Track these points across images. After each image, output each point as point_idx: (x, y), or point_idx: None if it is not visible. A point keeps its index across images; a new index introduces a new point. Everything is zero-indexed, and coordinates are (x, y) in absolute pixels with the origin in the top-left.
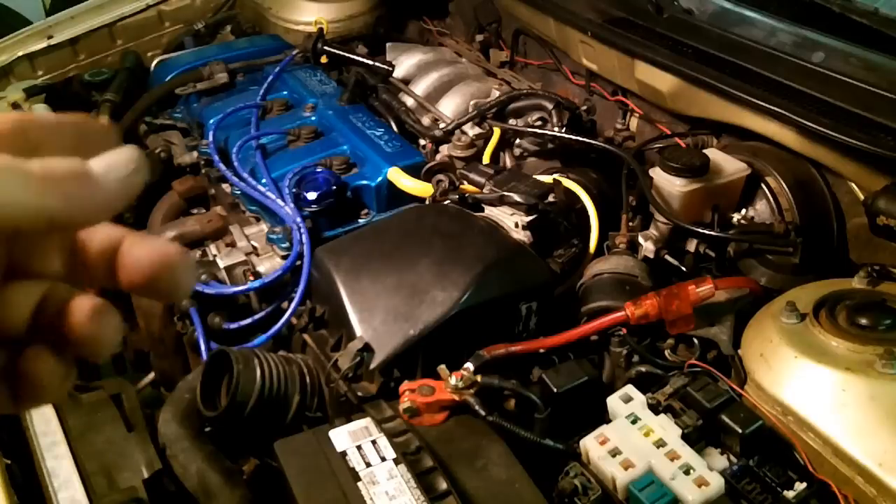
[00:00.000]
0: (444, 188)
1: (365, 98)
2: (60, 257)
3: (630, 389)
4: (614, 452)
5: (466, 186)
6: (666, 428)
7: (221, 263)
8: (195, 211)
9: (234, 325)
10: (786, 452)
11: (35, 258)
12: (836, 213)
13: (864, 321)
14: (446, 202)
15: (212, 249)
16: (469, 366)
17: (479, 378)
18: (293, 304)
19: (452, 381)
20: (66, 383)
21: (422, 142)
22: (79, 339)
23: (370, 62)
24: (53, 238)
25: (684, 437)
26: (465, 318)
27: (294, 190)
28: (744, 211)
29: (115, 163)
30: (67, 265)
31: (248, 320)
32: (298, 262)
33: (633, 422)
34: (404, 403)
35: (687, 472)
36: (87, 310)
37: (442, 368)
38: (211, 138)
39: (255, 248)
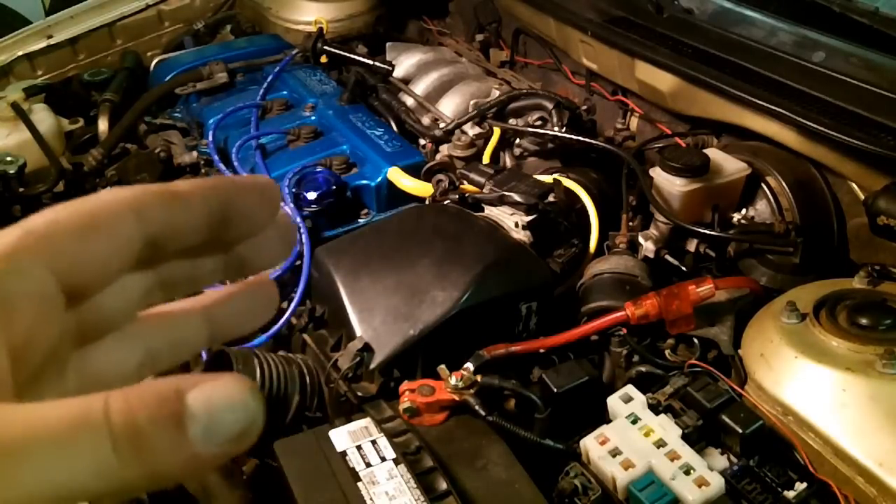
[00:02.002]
0: (444, 188)
1: (365, 98)
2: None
3: (630, 389)
4: (614, 452)
5: (466, 186)
6: (666, 428)
7: None
8: None
9: None
10: (786, 452)
11: None
12: (837, 213)
13: (864, 321)
14: (446, 202)
15: None
16: (469, 366)
17: (479, 378)
18: (293, 304)
19: (452, 381)
20: None
21: (422, 141)
22: None
23: (370, 62)
24: None
25: (684, 437)
26: (465, 318)
27: (294, 190)
28: (744, 211)
29: (222, 408)
30: None
31: None
32: (298, 262)
33: (634, 422)
34: (404, 403)
35: (687, 473)
36: None
37: (442, 368)
38: (211, 138)
39: None
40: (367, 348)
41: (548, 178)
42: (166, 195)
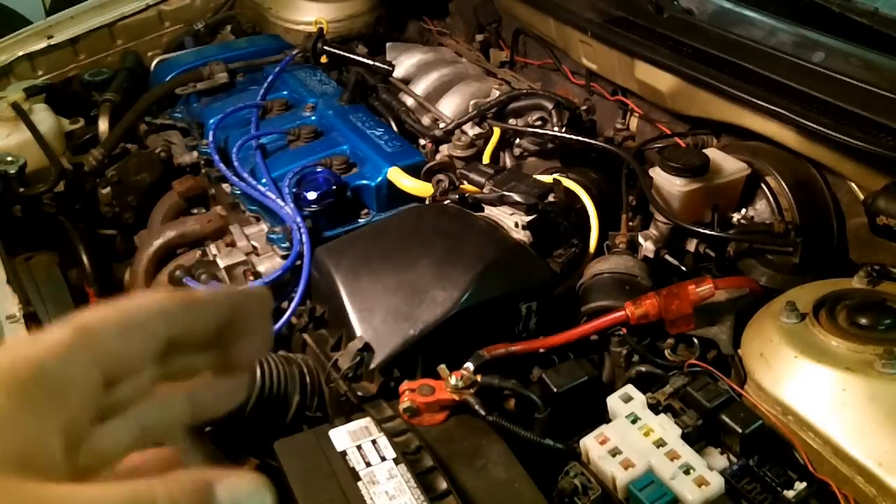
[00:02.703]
0: (444, 188)
1: (365, 98)
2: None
3: (630, 389)
4: (614, 452)
5: (466, 186)
6: (666, 428)
7: (221, 263)
8: (195, 211)
9: None
10: (786, 452)
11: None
12: (836, 213)
13: (863, 321)
14: (446, 202)
15: (212, 249)
16: (469, 365)
17: (479, 378)
18: (293, 304)
19: (452, 380)
20: None
21: (422, 141)
22: None
23: (370, 62)
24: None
25: (684, 437)
26: (464, 317)
27: (294, 190)
28: (744, 211)
29: (243, 498)
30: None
31: None
32: (298, 262)
33: (633, 421)
34: (404, 403)
35: (687, 472)
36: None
37: (442, 368)
38: (211, 138)
39: (255, 247)
40: (367, 348)
41: (548, 178)
42: (188, 302)
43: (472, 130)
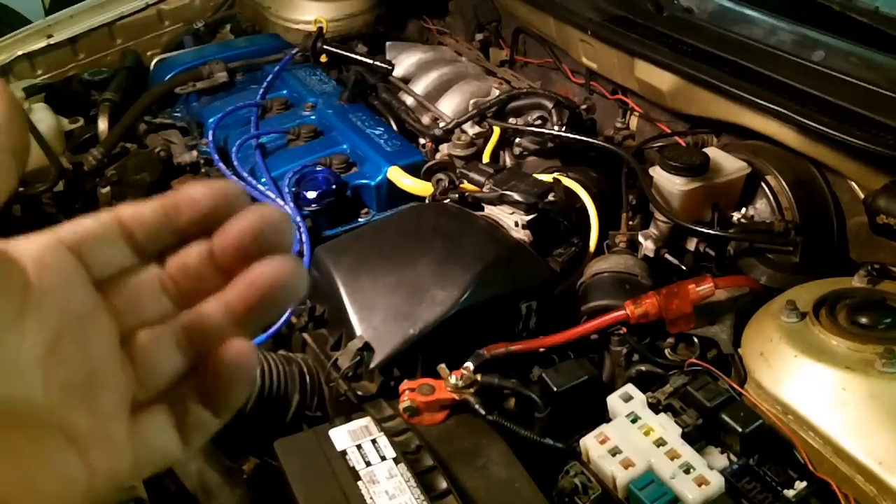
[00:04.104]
0: (443, 187)
1: (365, 97)
2: (167, 298)
3: (630, 388)
4: (614, 451)
5: (466, 185)
6: (666, 427)
7: None
8: None
9: None
10: (786, 451)
11: (143, 307)
12: (837, 212)
13: (864, 320)
14: (446, 201)
15: None
16: (469, 365)
17: (478, 377)
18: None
19: (452, 380)
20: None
21: (421, 141)
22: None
23: (370, 61)
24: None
25: (684, 436)
26: (465, 317)
27: (294, 189)
28: (744, 210)
29: None
30: (176, 299)
31: None
32: None
33: (633, 421)
34: (404, 402)
35: (687, 471)
36: (234, 355)
37: (442, 367)
38: (210, 137)
39: None
40: (367, 347)
41: (548, 178)
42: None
43: (471, 129)
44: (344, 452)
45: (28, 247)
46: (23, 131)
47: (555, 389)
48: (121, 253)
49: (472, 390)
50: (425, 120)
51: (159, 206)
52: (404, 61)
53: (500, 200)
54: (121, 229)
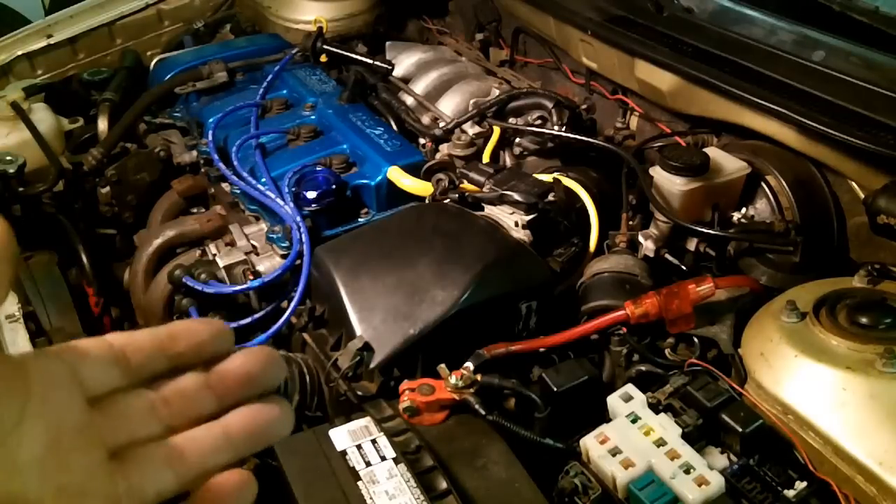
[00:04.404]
0: (443, 187)
1: (364, 97)
2: (158, 419)
3: (630, 388)
4: (614, 451)
5: (466, 185)
6: (666, 427)
7: (221, 263)
8: (195, 210)
9: (233, 325)
10: (786, 451)
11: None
12: (837, 212)
13: (864, 320)
14: (446, 201)
15: (211, 249)
16: (469, 365)
17: (478, 377)
18: (293, 304)
19: (452, 380)
20: None
21: (421, 141)
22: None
23: (370, 61)
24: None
25: (684, 436)
26: (465, 317)
27: (294, 189)
28: (744, 210)
29: None
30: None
31: (248, 319)
32: (298, 262)
33: (634, 421)
34: (404, 402)
35: (687, 471)
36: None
37: (442, 367)
38: (210, 137)
39: (254, 247)
40: (367, 347)
41: (548, 178)
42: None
43: (471, 129)
44: (344, 452)
45: (30, 359)
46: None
47: (555, 389)
48: (114, 375)
49: (472, 390)
50: (425, 120)
51: (155, 336)
52: (404, 61)
53: (500, 200)
54: (115, 354)
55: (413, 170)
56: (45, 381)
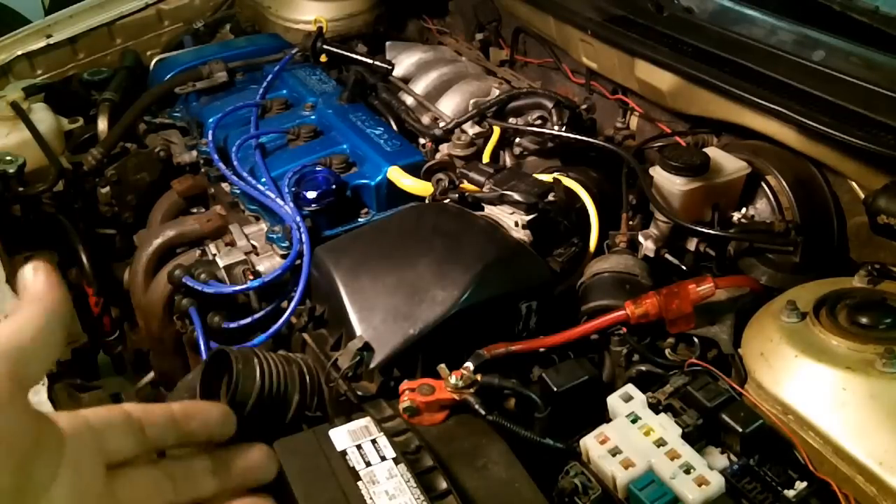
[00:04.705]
0: (443, 187)
1: (364, 97)
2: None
3: (630, 388)
4: (614, 452)
5: (466, 185)
6: (666, 427)
7: (221, 262)
8: (194, 210)
9: (233, 325)
10: (786, 451)
11: None
12: (837, 212)
13: (864, 320)
14: (446, 201)
15: (211, 248)
16: (469, 365)
17: (478, 377)
18: (293, 304)
19: (452, 380)
20: None
21: (421, 141)
22: None
23: (370, 61)
24: None
25: (684, 437)
26: (465, 317)
27: (293, 189)
28: (744, 210)
29: None
30: None
31: (248, 319)
32: (298, 262)
33: (634, 421)
34: (404, 403)
35: (687, 472)
36: None
37: (442, 367)
38: (210, 137)
39: (254, 247)
40: (366, 347)
41: (548, 177)
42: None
43: (471, 129)
44: (344, 452)
45: (65, 421)
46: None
47: (555, 389)
48: (130, 444)
49: (472, 390)
50: (425, 120)
51: (170, 411)
52: (404, 61)
53: (500, 200)
54: (133, 424)
55: (413, 170)
56: (78, 447)
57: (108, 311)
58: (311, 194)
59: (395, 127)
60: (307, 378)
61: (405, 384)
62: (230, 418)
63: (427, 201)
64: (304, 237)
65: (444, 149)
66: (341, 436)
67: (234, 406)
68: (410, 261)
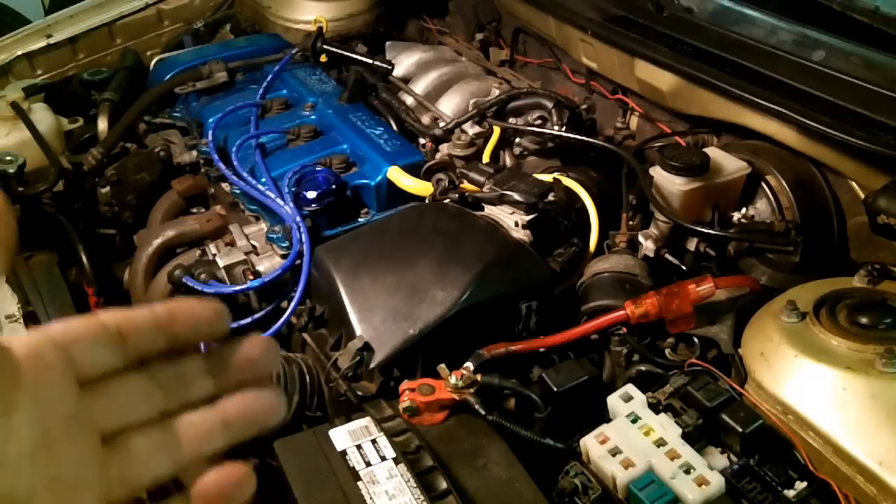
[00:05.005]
0: (443, 187)
1: (364, 97)
2: (151, 402)
3: (630, 388)
4: (614, 452)
5: (466, 185)
6: (666, 427)
7: (221, 263)
8: (195, 210)
9: (233, 325)
10: (786, 451)
11: None
12: (837, 212)
13: (864, 320)
14: (446, 201)
15: (211, 249)
16: (469, 365)
17: (478, 377)
18: (293, 304)
19: (452, 380)
20: None
21: (421, 141)
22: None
23: (370, 61)
24: None
25: (684, 437)
26: (465, 317)
27: (293, 189)
28: (744, 210)
29: None
30: None
31: (248, 319)
32: (298, 262)
33: (634, 421)
34: (404, 403)
35: (687, 472)
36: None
37: (442, 367)
38: (210, 137)
39: (254, 247)
40: (366, 347)
41: (548, 178)
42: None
43: (471, 129)
44: (344, 452)
45: (20, 344)
46: (10, 225)
47: (555, 389)
48: (108, 356)
49: (472, 390)
50: (425, 120)
51: (153, 314)
52: (404, 61)
53: (500, 200)
54: (110, 333)
55: (413, 170)
56: (37, 368)
57: None
58: (311, 194)
59: (395, 127)
60: (307, 378)
61: (405, 384)
62: (221, 314)
63: (427, 201)
64: (304, 237)
65: (444, 149)
66: (341, 436)
67: None
68: (410, 261)
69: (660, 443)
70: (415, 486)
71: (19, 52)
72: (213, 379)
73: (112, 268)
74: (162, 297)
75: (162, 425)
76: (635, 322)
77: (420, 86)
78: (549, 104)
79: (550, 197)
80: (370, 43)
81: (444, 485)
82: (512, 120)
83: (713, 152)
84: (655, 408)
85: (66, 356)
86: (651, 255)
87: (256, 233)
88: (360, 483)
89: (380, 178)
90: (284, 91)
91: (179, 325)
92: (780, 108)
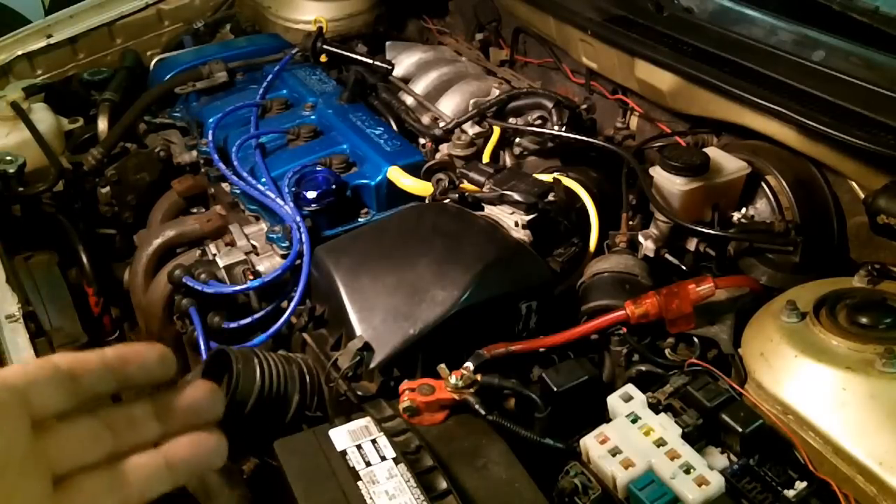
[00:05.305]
0: (443, 187)
1: (364, 97)
2: (101, 444)
3: (630, 388)
4: (614, 451)
5: (466, 185)
6: (666, 427)
7: (221, 262)
8: (195, 210)
9: (233, 325)
10: (786, 451)
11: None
12: (837, 212)
13: (864, 320)
14: (446, 201)
15: (211, 248)
16: (469, 365)
17: (478, 377)
18: (293, 304)
19: (452, 380)
20: None
21: (421, 141)
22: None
23: (370, 61)
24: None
25: (684, 436)
26: (465, 317)
27: (293, 189)
28: (744, 210)
29: None
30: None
31: (248, 319)
32: (298, 262)
33: (634, 421)
34: (404, 403)
35: (687, 471)
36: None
37: (442, 367)
38: (210, 137)
39: (254, 247)
40: (367, 347)
41: (548, 177)
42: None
43: (471, 129)
44: (344, 452)
45: None
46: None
47: (555, 389)
48: (61, 398)
49: (472, 390)
50: (425, 120)
51: (104, 358)
52: (404, 61)
53: (500, 200)
54: (63, 376)
55: (413, 170)
56: None
57: (108, 311)
58: (311, 194)
59: (395, 127)
60: (307, 378)
61: (405, 384)
62: (169, 359)
63: (427, 201)
64: (304, 237)
65: (444, 149)
66: (341, 436)
67: (234, 406)
68: (410, 261)
69: (660, 443)
70: (415, 486)
71: (19, 52)
72: (159, 422)
73: (112, 268)
74: (162, 297)
75: (109, 467)
76: (635, 322)
77: (420, 86)
78: (549, 104)
79: (550, 197)
80: (370, 43)
81: (444, 485)
82: (512, 120)
83: (713, 152)
84: (655, 408)
85: (22, 398)
86: (651, 255)
87: (256, 233)
88: (360, 483)
89: (380, 178)
90: (284, 91)
91: (129, 368)
92: (780, 108)
